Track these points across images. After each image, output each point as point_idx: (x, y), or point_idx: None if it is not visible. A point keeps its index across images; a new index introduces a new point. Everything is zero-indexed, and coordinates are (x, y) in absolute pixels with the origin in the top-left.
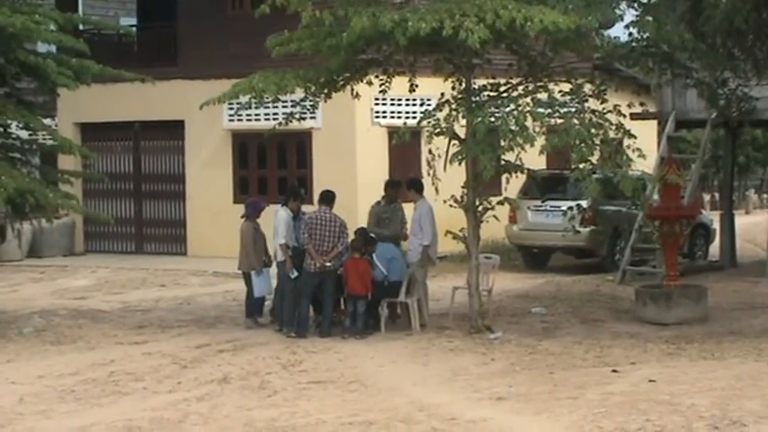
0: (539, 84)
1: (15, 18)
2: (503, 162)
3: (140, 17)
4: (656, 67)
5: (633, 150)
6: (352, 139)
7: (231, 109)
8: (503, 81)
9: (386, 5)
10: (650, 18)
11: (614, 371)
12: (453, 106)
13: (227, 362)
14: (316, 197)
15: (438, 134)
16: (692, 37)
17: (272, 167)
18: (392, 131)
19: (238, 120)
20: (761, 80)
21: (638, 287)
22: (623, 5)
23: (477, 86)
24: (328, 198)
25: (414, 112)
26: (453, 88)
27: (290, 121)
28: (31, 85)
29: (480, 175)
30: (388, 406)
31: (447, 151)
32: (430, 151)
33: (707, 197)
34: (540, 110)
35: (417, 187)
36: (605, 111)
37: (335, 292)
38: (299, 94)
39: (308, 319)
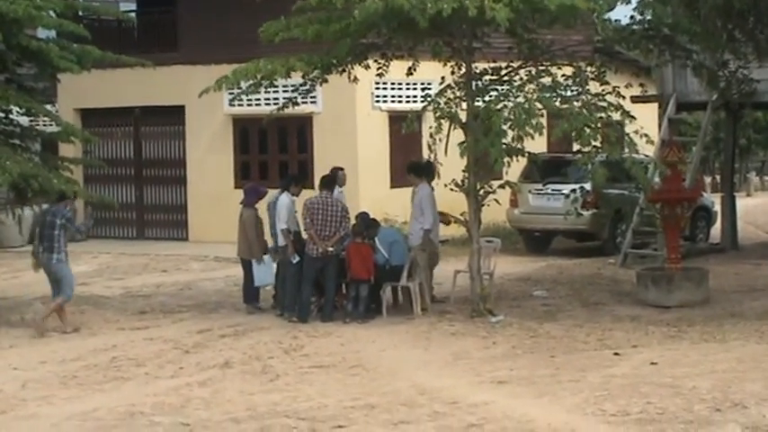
0: (541, 68)
1: (17, 4)
2: (504, 146)
3: (140, 2)
4: (655, 49)
5: (641, 136)
6: (352, 123)
7: (232, 94)
8: (503, 65)
9: None
10: None
11: (616, 354)
12: (455, 91)
13: (228, 347)
14: (317, 182)
15: (440, 118)
16: (692, 19)
17: (272, 152)
18: (393, 115)
19: (239, 105)
20: (761, 62)
21: (640, 270)
22: None
23: (477, 70)
24: (329, 182)
25: (414, 97)
26: (453, 72)
27: (290, 106)
28: (32, 71)
29: (481, 159)
30: (390, 390)
31: (448, 135)
32: (431, 135)
33: (708, 180)
34: (546, 95)
35: (417, 171)
36: (605, 92)
37: (338, 277)
38: (298, 78)
39: (310, 303)
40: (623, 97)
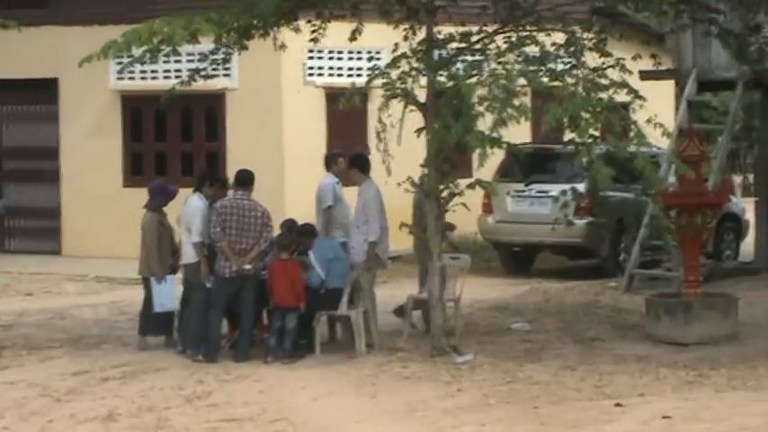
0: (524, 34)
1: None
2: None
3: None
4: (671, 10)
5: (655, 125)
6: (277, 102)
7: (120, 64)
8: (475, 29)
9: None
10: None
11: (618, 405)
12: (411, 61)
13: (113, 393)
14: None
15: (391, 97)
16: None
17: (173, 140)
18: (330, 93)
19: (129, 78)
20: None
21: (649, 296)
22: None
23: (441, 36)
24: (246, 180)
25: (359, 69)
26: (406, 38)
27: (197, 79)
28: None
29: (444, 150)
30: None
31: (402, 119)
32: (380, 120)
33: (738, 180)
34: (532, 68)
35: (362, 165)
36: (606, 66)
37: (256, 303)
38: (207, 44)
39: (221, 337)
40: (630, 72)
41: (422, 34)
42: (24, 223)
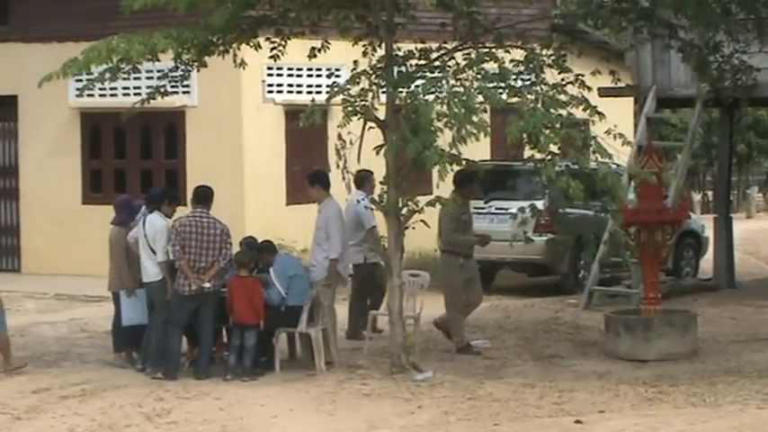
0: (483, 50)
1: None
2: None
3: None
4: (630, 26)
5: (615, 136)
6: (237, 119)
7: (80, 81)
8: (434, 46)
9: None
10: None
11: (578, 422)
12: (371, 78)
13: (73, 411)
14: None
15: (351, 114)
16: None
17: (133, 157)
18: (290, 110)
19: (88, 95)
20: (765, 46)
21: (609, 313)
22: None
23: (400, 53)
24: (205, 197)
25: (318, 86)
26: (365, 54)
27: (156, 98)
28: None
29: (405, 168)
30: None
31: (362, 136)
32: (339, 136)
33: (697, 197)
34: (491, 85)
35: (322, 182)
36: (565, 82)
37: (216, 321)
38: (167, 62)
39: (180, 355)
40: (589, 89)
41: (381, 51)
42: None
